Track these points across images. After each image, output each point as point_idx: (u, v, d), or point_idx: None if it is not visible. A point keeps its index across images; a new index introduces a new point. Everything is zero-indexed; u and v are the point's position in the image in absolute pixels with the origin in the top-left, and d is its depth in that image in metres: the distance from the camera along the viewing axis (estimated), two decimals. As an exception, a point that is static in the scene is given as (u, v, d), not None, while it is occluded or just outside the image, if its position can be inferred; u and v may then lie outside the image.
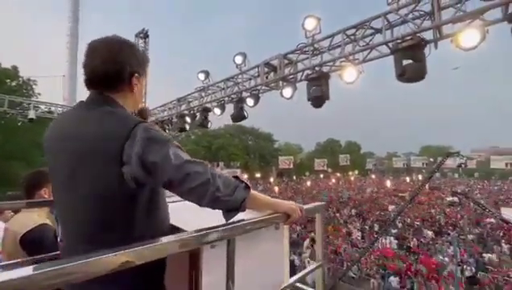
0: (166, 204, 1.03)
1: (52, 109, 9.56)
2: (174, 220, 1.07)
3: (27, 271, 0.45)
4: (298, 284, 1.24)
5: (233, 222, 0.90)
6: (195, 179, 0.83)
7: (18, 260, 1.48)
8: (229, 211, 0.90)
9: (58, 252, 1.70)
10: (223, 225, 0.87)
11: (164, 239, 0.72)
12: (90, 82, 0.93)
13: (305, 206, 1.18)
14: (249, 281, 1.05)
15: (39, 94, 18.22)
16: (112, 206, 0.83)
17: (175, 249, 0.72)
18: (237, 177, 0.95)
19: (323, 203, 1.39)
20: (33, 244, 1.57)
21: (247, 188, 0.93)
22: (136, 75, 0.96)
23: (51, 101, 9.35)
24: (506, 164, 26.61)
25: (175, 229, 1.04)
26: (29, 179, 1.78)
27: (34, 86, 18.47)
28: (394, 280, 10.75)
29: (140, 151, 0.80)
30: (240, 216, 0.94)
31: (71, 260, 0.52)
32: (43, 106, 9.12)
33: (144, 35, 12.50)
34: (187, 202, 0.90)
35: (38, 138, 17.41)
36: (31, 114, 7.65)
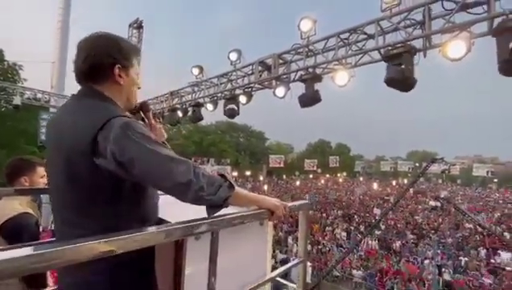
0: (154, 195, 1.04)
1: (39, 96, 9.27)
2: (161, 213, 1.08)
3: (8, 254, 0.45)
4: (279, 279, 1.28)
5: (218, 216, 0.92)
6: (177, 177, 0.83)
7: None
8: (212, 207, 0.91)
9: (39, 241, 1.69)
10: (207, 219, 0.89)
11: (148, 229, 0.73)
12: (76, 77, 0.97)
13: (289, 204, 1.21)
14: (231, 274, 1.07)
15: (25, 80, 17.53)
16: (87, 194, 0.86)
17: (158, 239, 0.73)
18: (222, 175, 0.95)
19: (306, 201, 1.42)
20: (13, 233, 1.54)
21: (231, 187, 0.93)
22: (118, 66, 0.95)
23: (38, 88, 9.01)
24: (487, 172, 27.80)
25: (162, 222, 1.06)
26: (10, 166, 1.74)
27: (20, 71, 17.74)
28: (357, 274, 11.22)
29: (116, 147, 0.79)
30: (226, 210, 0.96)
31: (50, 245, 0.52)
32: (28, 93, 8.80)
33: (138, 25, 12.22)
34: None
35: (22, 125, 16.77)
36: (17, 101, 7.32)
